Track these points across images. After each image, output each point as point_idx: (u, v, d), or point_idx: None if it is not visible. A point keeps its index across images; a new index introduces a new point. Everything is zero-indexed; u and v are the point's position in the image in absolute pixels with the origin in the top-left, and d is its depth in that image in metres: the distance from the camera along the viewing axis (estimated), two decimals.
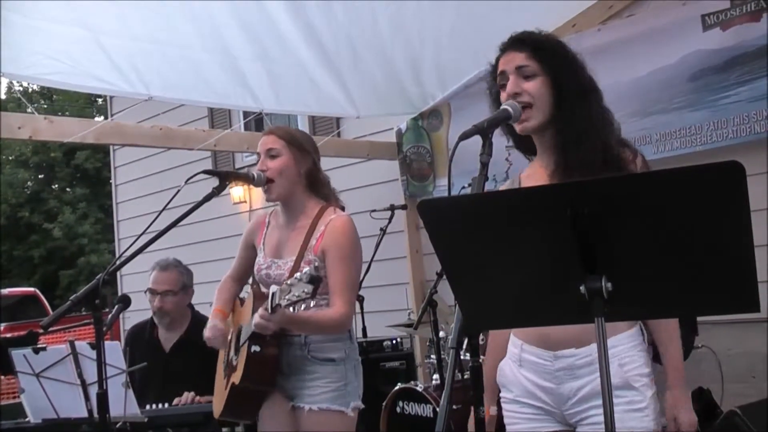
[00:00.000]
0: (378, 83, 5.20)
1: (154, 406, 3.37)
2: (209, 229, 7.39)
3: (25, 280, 20.79)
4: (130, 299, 2.98)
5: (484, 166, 1.76)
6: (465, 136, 1.76)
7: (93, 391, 2.68)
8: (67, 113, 22.55)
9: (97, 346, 2.35)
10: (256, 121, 6.61)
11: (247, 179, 2.81)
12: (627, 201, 1.36)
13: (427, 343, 4.70)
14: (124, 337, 4.41)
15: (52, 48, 3.94)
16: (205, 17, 4.20)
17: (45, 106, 22.94)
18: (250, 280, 3.00)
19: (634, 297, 1.45)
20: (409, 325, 4.66)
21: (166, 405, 3.41)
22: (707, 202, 1.31)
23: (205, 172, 2.72)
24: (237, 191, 7.43)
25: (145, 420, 3.01)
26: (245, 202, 7.57)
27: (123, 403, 2.86)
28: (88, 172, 22.85)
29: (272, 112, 5.58)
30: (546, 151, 2.05)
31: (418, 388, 4.18)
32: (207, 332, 2.86)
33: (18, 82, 20.24)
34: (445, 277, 2.39)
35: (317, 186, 2.86)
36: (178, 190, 2.50)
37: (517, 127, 2.00)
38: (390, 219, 5.25)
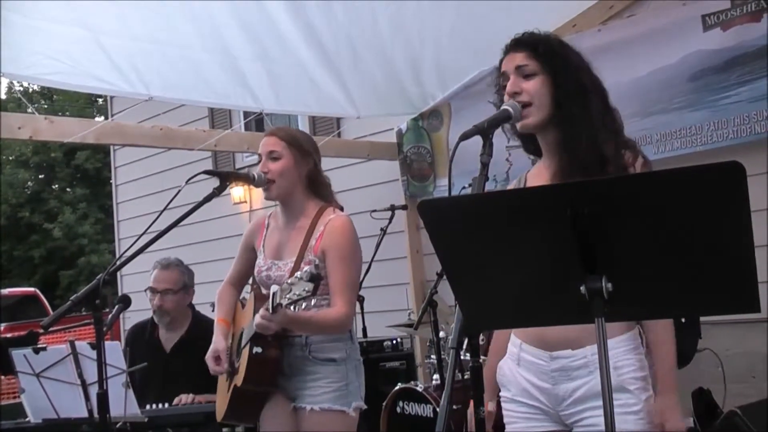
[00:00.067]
0: (378, 83, 5.20)
1: (154, 406, 3.37)
2: (210, 229, 7.39)
3: (25, 280, 20.79)
4: (130, 299, 2.98)
5: (485, 166, 1.77)
6: (465, 136, 1.77)
7: (93, 391, 2.68)
8: (67, 113, 22.55)
9: (98, 346, 2.35)
10: (256, 122, 6.61)
11: (248, 180, 2.82)
12: (627, 201, 1.36)
13: (428, 344, 4.70)
14: (124, 337, 4.41)
15: (52, 48, 3.95)
16: (205, 17, 4.20)
17: (45, 106, 22.94)
18: (250, 281, 3.00)
19: (634, 297, 1.45)
20: (409, 326, 4.67)
21: (166, 405, 3.41)
22: (707, 203, 1.31)
23: (206, 172, 2.73)
24: (237, 191, 7.43)
25: (145, 420, 3.01)
26: (245, 202, 7.57)
27: (123, 403, 2.86)
28: (88, 173, 22.86)
29: (272, 112, 5.58)
30: (549, 151, 2.05)
31: (418, 388, 4.18)
32: (208, 362, 2.86)
33: (18, 82, 20.22)
34: (445, 277, 2.40)
35: (317, 187, 2.87)
36: (179, 191, 2.50)
37: (518, 126, 2.00)
38: (390, 219, 5.25)
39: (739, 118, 4.29)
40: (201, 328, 3.56)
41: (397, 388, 4.31)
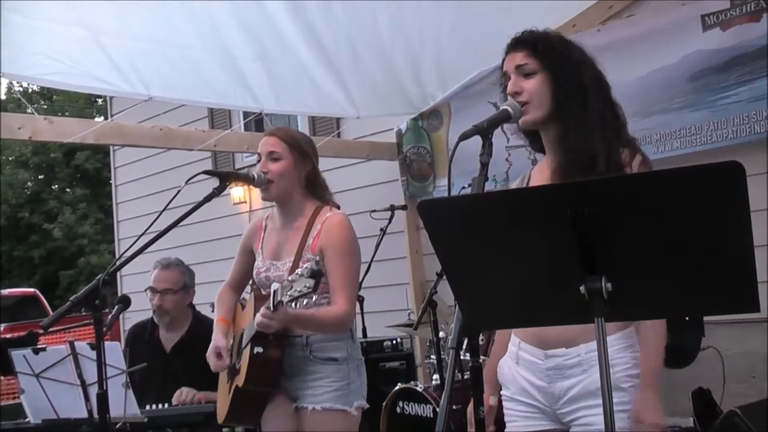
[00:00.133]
0: (378, 83, 5.20)
1: (154, 406, 3.37)
2: (209, 229, 7.39)
3: (25, 280, 20.79)
4: (130, 300, 2.98)
5: (484, 166, 1.77)
6: (465, 136, 1.77)
7: (93, 391, 2.68)
8: (67, 113, 22.56)
9: (97, 346, 2.35)
10: (256, 122, 6.61)
11: (248, 180, 2.82)
12: (627, 201, 1.36)
13: (427, 344, 4.71)
14: (124, 338, 4.41)
15: (52, 48, 3.94)
16: (205, 17, 4.20)
17: (45, 107, 22.95)
18: (251, 283, 3.00)
19: (634, 297, 1.45)
20: (409, 326, 4.67)
21: (166, 405, 3.41)
22: (707, 203, 1.31)
23: (206, 172, 2.73)
24: (237, 192, 7.43)
25: (145, 420, 3.00)
26: (245, 202, 7.56)
27: (123, 404, 2.86)
28: (88, 173, 22.85)
29: (272, 112, 5.58)
30: (550, 148, 2.05)
31: (418, 389, 4.18)
32: (209, 359, 2.86)
33: (18, 82, 20.26)
34: (445, 277, 2.39)
35: (315, 189, 2.88)
36: (179, 191, 2.50)
37: (519, 123, 2.00)
38: (390, 219, 5.26)
39: (739, 118, 4.29)
40: (201, 329, 3.55)
41: (396, 388, 4.31)
